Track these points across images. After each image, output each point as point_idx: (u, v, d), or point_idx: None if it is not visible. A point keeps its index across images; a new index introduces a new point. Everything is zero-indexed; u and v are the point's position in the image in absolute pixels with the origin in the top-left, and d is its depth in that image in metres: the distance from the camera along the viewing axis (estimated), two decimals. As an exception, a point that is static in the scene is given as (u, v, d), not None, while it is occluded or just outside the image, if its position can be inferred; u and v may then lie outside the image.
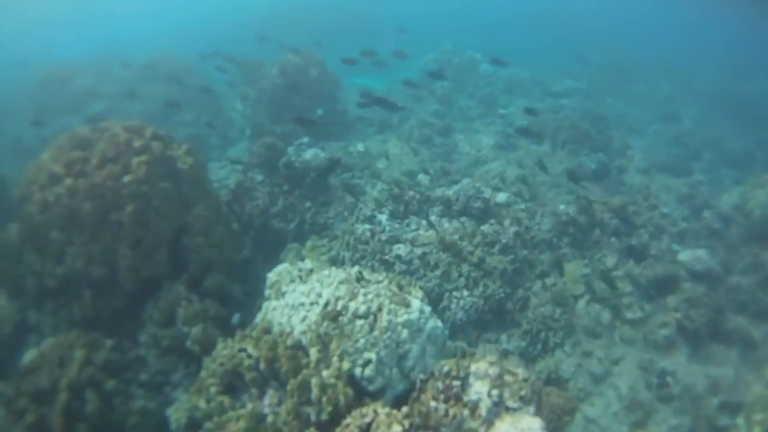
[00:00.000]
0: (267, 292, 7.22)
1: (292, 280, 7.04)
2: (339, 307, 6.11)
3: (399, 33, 14.62)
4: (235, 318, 6.81)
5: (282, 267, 7.38)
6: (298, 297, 6.44)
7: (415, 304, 6.44)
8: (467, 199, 9.23)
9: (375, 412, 4.41)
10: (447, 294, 7.94)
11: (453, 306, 7.85)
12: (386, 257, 8.13)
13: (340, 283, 6.51)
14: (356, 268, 6.99)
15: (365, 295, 6.26)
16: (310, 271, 7.23)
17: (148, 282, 7.03)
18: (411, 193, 9.60)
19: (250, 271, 9.51)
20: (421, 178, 11.94)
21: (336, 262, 8.47)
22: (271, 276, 7.32)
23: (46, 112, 16.01)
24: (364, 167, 12.43)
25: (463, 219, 9.23)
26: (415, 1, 38.38)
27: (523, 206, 9.64)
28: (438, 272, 8.03)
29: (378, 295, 6.36)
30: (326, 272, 6.96)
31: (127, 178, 6.43)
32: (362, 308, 6.08)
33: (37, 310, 7.23)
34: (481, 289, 7.99)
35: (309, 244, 8.89)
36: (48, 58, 19.96)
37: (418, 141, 14.55)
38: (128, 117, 15.85)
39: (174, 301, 6.84)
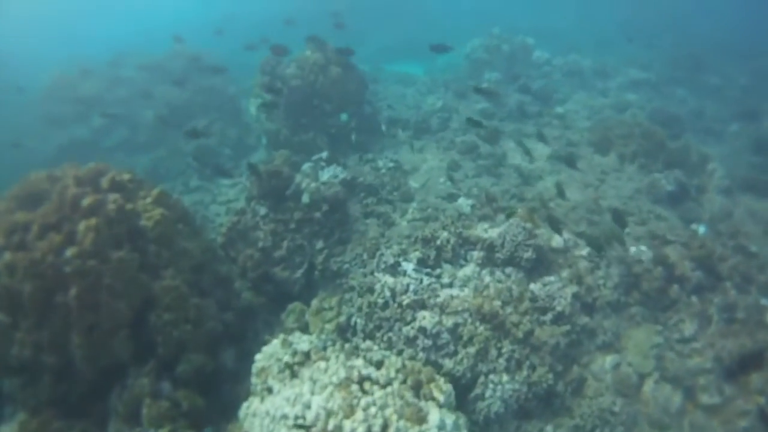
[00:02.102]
0: (253, 380, 6.13)
1: (281, 371, 5.92)
2: (330, 428, 4.91)
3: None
4: None
5: (272, 348, 6.27)
6: (282, 405, 5.28)
7: (434, 418, 5.18)
8: (515, 246, 7.78)
9: None
10: (482, 378, 6.59)
11: (488, 394, 6.49)
12: (407, 329, 6.82)
13: (337, 386, 5.31)
14: (360, 361, 5.78)
15: (366, 408, 5.05)
16: (306, 356, 6.07)
17: (112, 367, 6.05)
18: (445, 234, 8.22)
19: (248, 324, 8.45)
20: (462, 203, 10.55)
21: (345, 331, 7.21)
22: (259, 360, 6.24)
23: (53, 123, 15.51)
24: (393, 188, 11.12)
25: (509, 270, 7.81)
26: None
27: (584, 251, 8.10)
28: (472, 350, 6.67)
29: (384, 406, 5.13)
30: (323, 365, 5.78)
31: (69, 252, 5.35)
32: (360, 430, 4.86)
33: (9, 380, 6.47)
34: (525, 372, 6.59)
35: (314, 304, 7.67)
36: (55, 60, 19.47)
37: (460, 151, 13.06)
38: (138, 125, 15.44)
39: (138, 396, 5.83)
